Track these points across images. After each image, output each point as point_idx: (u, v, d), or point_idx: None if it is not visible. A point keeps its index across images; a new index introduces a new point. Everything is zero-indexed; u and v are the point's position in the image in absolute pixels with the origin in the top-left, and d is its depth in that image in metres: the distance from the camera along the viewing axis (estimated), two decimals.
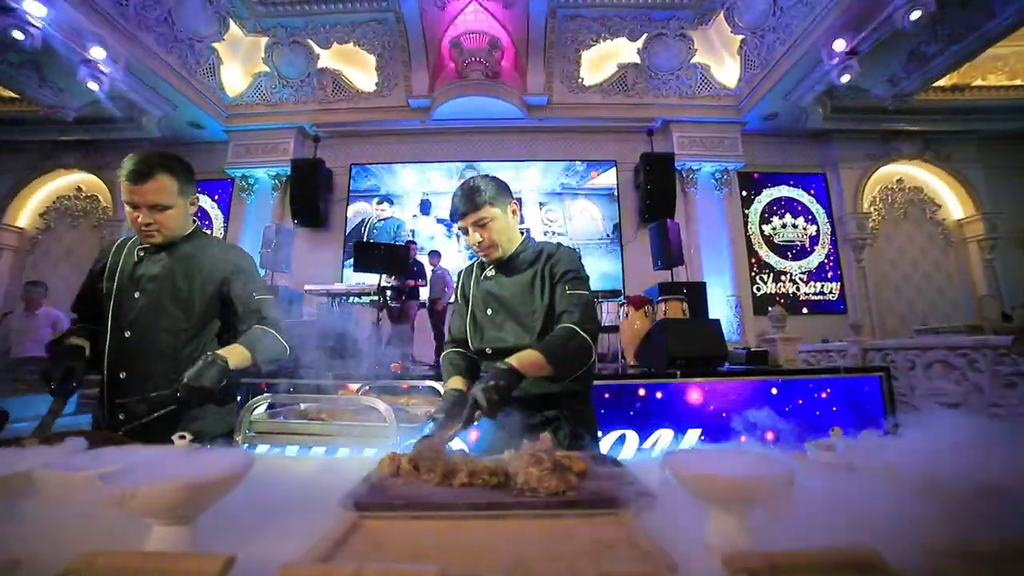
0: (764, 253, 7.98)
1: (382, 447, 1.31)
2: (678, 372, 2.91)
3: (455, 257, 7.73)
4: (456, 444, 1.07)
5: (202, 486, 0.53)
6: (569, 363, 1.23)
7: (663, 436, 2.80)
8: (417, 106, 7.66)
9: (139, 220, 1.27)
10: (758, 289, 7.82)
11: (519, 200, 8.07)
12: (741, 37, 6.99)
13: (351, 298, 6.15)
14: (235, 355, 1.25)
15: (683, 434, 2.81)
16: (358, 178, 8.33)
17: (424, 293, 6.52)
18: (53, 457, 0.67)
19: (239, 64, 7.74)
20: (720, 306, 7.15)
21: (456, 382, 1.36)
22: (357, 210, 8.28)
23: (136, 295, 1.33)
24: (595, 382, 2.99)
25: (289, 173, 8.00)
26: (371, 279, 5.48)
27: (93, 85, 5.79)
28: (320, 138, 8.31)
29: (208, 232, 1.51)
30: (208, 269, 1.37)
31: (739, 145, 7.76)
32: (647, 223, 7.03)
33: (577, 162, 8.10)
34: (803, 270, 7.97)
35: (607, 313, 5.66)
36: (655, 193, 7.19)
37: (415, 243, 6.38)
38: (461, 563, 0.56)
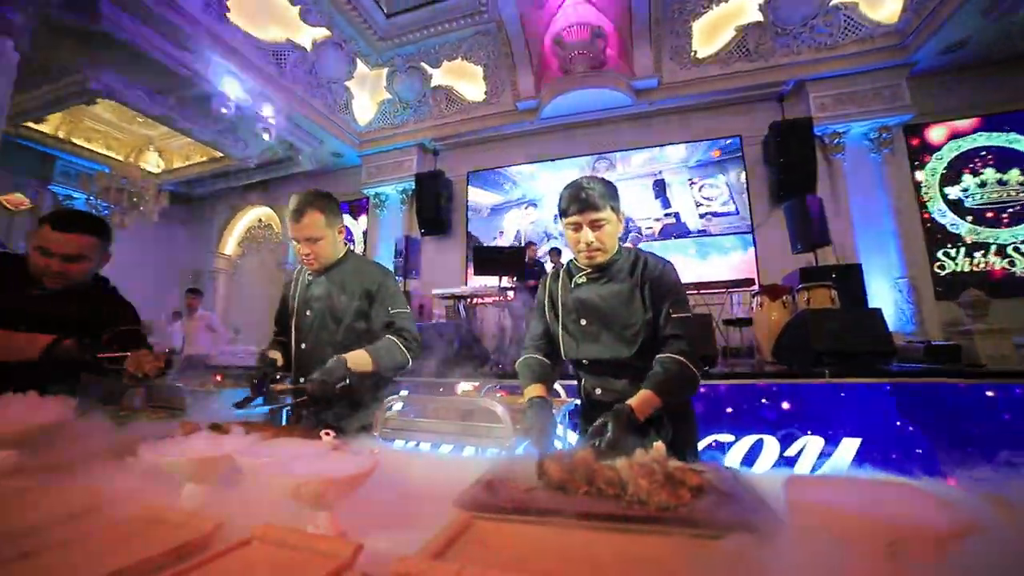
0: (949, 222, 6.30)
1: (500, 447, 1.39)
2: (827, 371, 2.50)
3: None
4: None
5: (337, 481, 0.63)
6: (679, 397, 1.26)
7: (810, 445, 2.44)
8: (525, 108, 7.82)
9: (300, 251, 1.54)
10: (942, 268, 6.22)
11: (662, 182, 7.65)
12: None
13: (475, 300, 6.54)
14: (356, 357, 1.43)
15: (836, 444, 2.40)
16: (510, 190, 8.65)
17: None
18: (248, 444, 0.85)
19: (367, 95, 8.76)
20: (884, 292, 5.94)
21: (536, 389, 1.35)
22: (510, 218, 8.60)
23: (308, 313, 1.60)
24: (728, 381, 2.74)
25: (413, 187, 8.82)
26: (494, 280, 5.76)
27: (266, 136, 7.13)
28: (438, 151, 9.02)
29: (356, 252, 1.74)
30: (355, 287, 1.58)
31: (905, 93, 6.27)
32: (782, 201, 6.18)
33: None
34: (1019, 239, 6.00)
35: (738, 304, 5.14)
36: (790, 166, 6.25)
37: (535, 243, 6.52)
38: (560, 573, 0.57)
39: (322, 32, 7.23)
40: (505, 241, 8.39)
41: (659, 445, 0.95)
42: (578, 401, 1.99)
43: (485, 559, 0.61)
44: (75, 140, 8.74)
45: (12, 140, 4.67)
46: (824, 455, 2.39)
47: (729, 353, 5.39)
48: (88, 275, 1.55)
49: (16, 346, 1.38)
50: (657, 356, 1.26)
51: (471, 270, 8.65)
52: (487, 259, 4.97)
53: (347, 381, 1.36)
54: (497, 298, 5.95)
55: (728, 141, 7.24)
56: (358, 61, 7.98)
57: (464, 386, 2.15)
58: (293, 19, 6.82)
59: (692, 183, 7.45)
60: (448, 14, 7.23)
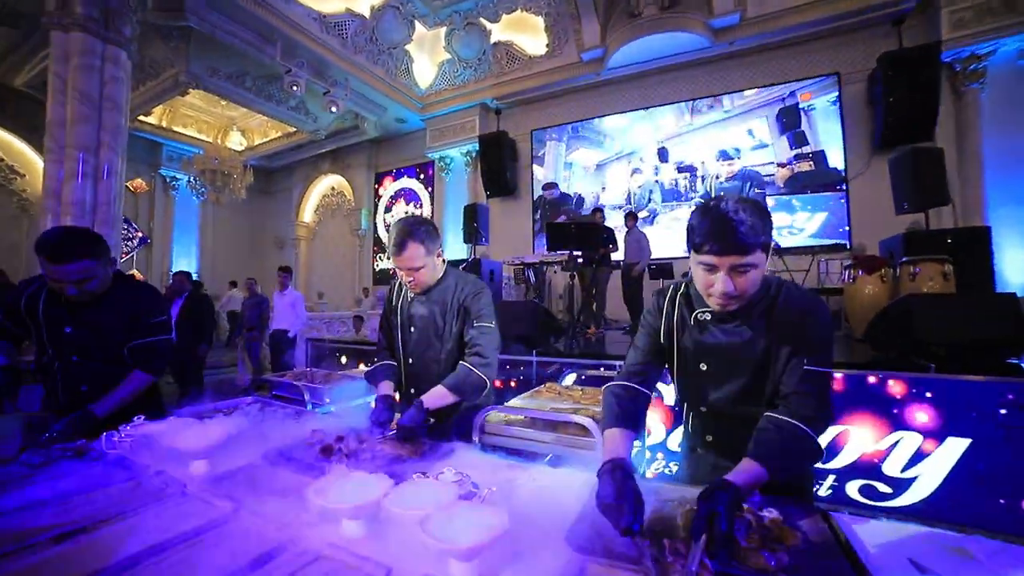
0: None
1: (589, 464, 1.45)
2: (932, 365, 2.30)
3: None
4: None
5: (477, 547, 0.76)
6: (792, 473, 1.01)
7: (905, 441, 2.32)
8: (589, 59, 7.36)
9: (403, 277, 1.65)
10: None
11: (794, 108, 6.45)
12: None
13: (544, 265, 6.55)
14: (433, 396, 1.52)
15: (938, 443, 2.26)
16: (609, 145, 8.28)
17: (617, 256, 6.32)
18: (388, 486, 0.99)
19: (426, 57, 8.66)
20: (1021, 253, 5.11)
21: (616, 440, 1.10)
22: (613, 173, 8.29)
23: (412, 330, 1.72)
24: None
25: (478, 148, 8.78)
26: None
27: (333, 108, 7.38)
28: (501, 110, 8.84)
29: (453, 268, 1.79)
30: (455, 306, 1.69)
31: None
32: (886, 149, 5.41)
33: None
34: None
35: (825, 272, 4.73)
36: (903, 105, 5.36)
37: (602, 209, 6.35)
38: None
39: None
40: (611, 199, 8.20)
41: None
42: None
43: None
44: (175, 128, 9.67)
45: (129, 133, 5.31)
46: (921, 454, 2.27)
47: None
48: (104, 283, 1.64)
49: None
50: (774, 414, 1.01)
51: (538, 231, 8.69)
52: (560, 235, 4.94)
53: (430, 420, 1.46)
54: (566, 261, 5.94)
55: (816, 83, 6.34)
56: (416, 23, 7.84)
57: (547, 394, 2.23)
58: None
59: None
60: None
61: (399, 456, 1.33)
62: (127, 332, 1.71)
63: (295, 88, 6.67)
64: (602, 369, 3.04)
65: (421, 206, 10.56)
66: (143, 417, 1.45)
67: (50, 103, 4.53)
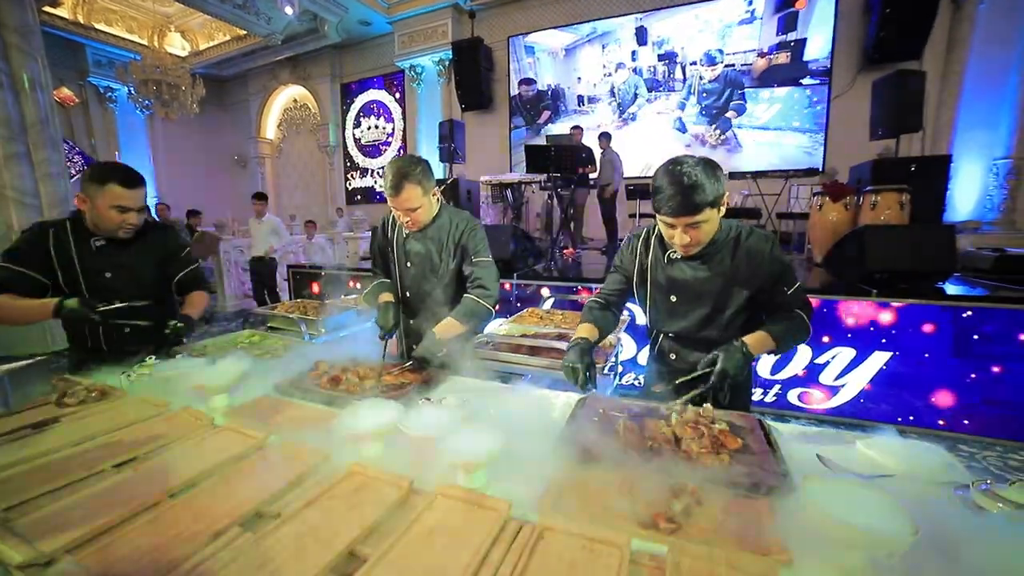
0: None
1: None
2: (874, 291, 2.56)
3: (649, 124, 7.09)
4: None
5: (484, 463, 0.92)
6: (790, 348, 1.30)
7: (840, 355, 2.65)
8: None
9: (400, 217, 1.68)
10: None
11: None
12: None
13: (523, 185, 6.44)
14: (445, 328, 1.62)
15: (866, 356, 2.60)
16: (576, 25, 7.80)
17: (593, 175, 6.29)
18: (402, 413, 1.12)
19: None
20: (974, 175, 5.28)
21: (582, 330, 1.40)
22: (585, 58, 7.89)
23: (408, 265, 1.79)
24: None
25: (451, 57, 8.13)
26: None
27: (288, 10, 6.59)
28: (475, 13, 8.06)
29: (447, 205, 1.82)
30: (451, 244, 1.75)
31: None
32: (873, 68, 5.30)
33: None
34: None
35: (795, 198, 4.87)
36: (897, 20, 5.13)
37: (580, 127, 6.17)
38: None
39: None
40: (587, 89, 7.91)
41: (708, 407, 1.15)
42: (621, 340, 2.11)
43: (587, 496, 0.88)
44: (96, 25, 8.40)
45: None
46: (852, 365, 2.63)
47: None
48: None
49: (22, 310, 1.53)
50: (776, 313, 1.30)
51: (516, 142, 8.39)
52: (539, 156, 4.85)
53: (443, 351, 1.59)
54: (543, 181, 5.90)
55: None
56: None
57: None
58: None
59: None
60: None
61: (400, 384, 1.48)
62: (160, 270, 1.79)
63: None
64: (579, 288, 3.24)
65: (392, 120, 9.95)
66: (155, 357, 1.55)
67: None
